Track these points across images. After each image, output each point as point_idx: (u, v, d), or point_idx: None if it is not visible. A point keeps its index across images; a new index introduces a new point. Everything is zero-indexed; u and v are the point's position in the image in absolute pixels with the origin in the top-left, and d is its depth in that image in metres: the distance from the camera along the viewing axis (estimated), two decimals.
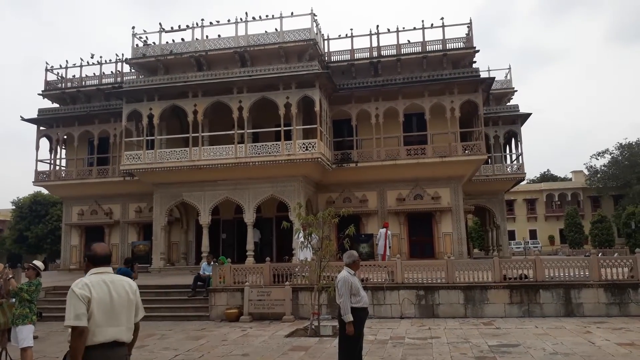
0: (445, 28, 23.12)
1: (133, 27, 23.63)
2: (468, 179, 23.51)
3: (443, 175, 21.21)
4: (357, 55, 23.95)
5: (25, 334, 7.45)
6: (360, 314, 6.11)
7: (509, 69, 29.57)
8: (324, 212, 11.65)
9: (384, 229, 18.52)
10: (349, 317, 5.94)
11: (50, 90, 26.71)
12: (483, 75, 22.83)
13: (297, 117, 20.01)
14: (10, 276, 8.22)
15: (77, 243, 25.13)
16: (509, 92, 29.40)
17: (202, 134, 20.43)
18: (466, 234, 22.74)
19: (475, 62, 23.76)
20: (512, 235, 50.45)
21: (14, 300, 7.92)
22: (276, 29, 22.23)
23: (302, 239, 12.31)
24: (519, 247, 45.91)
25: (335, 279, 6.27)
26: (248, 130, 20.23)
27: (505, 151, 27.72)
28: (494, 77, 22.95)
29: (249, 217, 20.11)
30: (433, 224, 21.53)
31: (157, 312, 13.37)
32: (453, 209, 21.31)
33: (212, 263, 14.70)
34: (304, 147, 19.32)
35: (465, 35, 23.62)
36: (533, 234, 55.77)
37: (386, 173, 21.34)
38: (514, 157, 27.97)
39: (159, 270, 20.42)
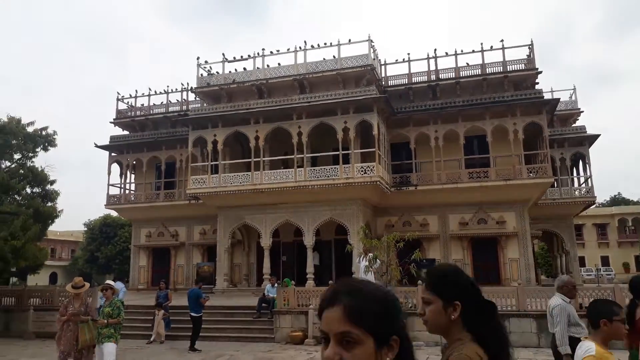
0: (506, 50, 22.84)
1: (198, 58, 24.87)
2: (534, 203, 22.67)
3: (508, 199, 20.60)
4: (414, 79, 24.01)
5: (110, 350, 7.89)
6: None
7: (574, 89, 28.60)
8: (389, 237, 11.64)
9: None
10: (566, 349, 5.33)
11: (120, 119, 28.41)
12: (546, 96, 22.19)
13: (355, 141, 20.20)
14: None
15: (145, 264, 26.26)
16: (575, 113, 28.33)
17: (263, 159, 21.01)
18: (533, 260, 21.84)
19: (537, 83, 23.21)
20: (581, 261, 47.69)
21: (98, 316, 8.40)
22: (334, 56, 22.72)
23: (366, 263, 12.32)
24: (590, 275, 43.26)
25: (549, 306, 5.80)
26: (307, 155, 20.61)
27: (572, 174, 26.57)
28: (559, 99, 22.35)
29: (309, 239, 20.31)
30: (498, 249, 20.86)
31: (225, 333, 13.71)
32: (519, 234, 20.58)
33: (275, 285, 14.93)
34: (362, 171, 19.41)
35: (526, 57, 23.19)
36: (605, 261, 52.38)
37: (447, 196, 21.00)
38: (582, 179, 26.73)
39: (222, 291, 20.93)
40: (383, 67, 24.77)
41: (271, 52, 23.74)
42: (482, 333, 1.64)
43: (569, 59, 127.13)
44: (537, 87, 22.86)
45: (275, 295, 14.20)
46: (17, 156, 18.89)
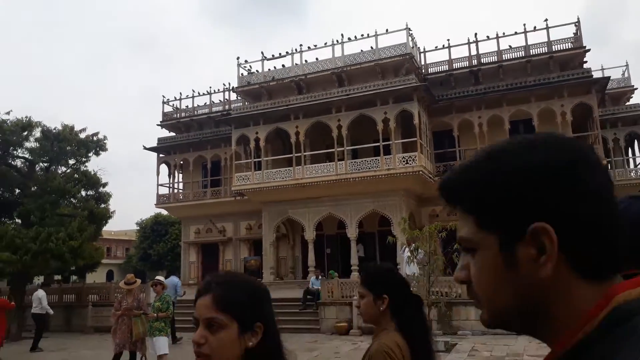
0: (550, 29, 21.94)
1: (238, 58, 25.23)
2: None
3: None
4: (455, 65, 23.53)
5: (161, 343, 8.30)
6: None
7: (626, 65, 27.14)
8: (430, 227, 11.53)
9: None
10: None
11: (167, 121, 29.37)
12: (596, 75, 21.20)
13: (395, 132, 20.03)
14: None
15: (194, 260, 27.15)
16: (628, 91, 26.90)
17: (304, 154, 21.20)
18: None
19: (586, 62, 22.20)
20: None
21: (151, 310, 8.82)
22: (371, 47, 22.56)
23: (408, 254, 12.26)
24: None
25: None
26: (347, 148, 20.63)
27: (627, 154, 25.27)
28: (609, 77, 21.28)
29: (352, 232, 20.36)
30: None
31: None
32: None
33: (319, 277, 15.12)
34: (404, 161, 19.25)
35: (572, 35, 22.21)
36: None
37: None
38: (638, 160, 25.39)
39: (269, 284, 21.33)
40: (422, 55, 24.38)
41: (309, 48, 23.85)
42: (405, 323, 1.89)
43: (622, 35, 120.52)
44: (585, 66, 21.86)
45: (319, 287, 14.39)
46: (71, 161, 19.93)
